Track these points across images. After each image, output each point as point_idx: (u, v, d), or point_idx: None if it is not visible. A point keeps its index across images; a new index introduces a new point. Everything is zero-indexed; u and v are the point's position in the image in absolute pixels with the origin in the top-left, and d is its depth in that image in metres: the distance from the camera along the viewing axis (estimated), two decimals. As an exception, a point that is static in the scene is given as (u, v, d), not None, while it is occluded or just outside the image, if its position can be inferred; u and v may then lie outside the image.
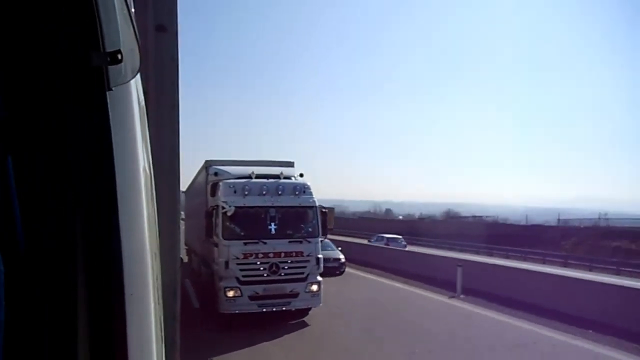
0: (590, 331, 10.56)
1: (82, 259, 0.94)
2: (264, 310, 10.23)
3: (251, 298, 10.09)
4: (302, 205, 10.81)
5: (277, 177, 10.93)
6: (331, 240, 20.60)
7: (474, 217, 52.35)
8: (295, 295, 10.46)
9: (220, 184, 10.69)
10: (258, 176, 10.77)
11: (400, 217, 58.91)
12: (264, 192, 10.36)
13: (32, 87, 0.92)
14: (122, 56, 0.96)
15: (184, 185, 19.85)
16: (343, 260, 19.67)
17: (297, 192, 10.71)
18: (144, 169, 1.16)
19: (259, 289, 10.14)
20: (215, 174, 11.22)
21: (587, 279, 16.77)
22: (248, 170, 11.01)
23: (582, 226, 39.37)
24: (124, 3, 0.99)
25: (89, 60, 0.93)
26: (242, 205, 10.19)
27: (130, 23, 1.02)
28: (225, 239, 10.07)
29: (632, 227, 34.64)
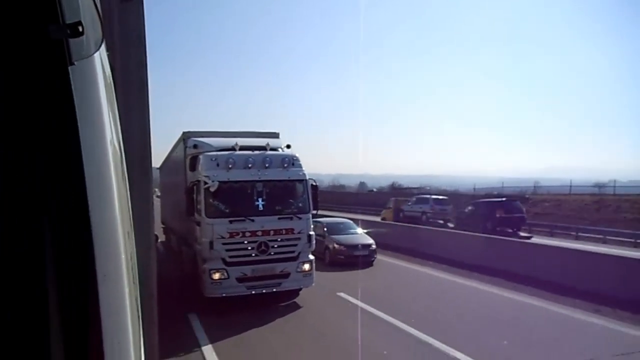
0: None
1: (50, 240, 0.92)
2: (253, 292, 9.52)
3: (239, 280, 9.38)
4: (292, 178, 10.01)
5: (263, 148, 10.11)
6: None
7: (417, 188, 53.27)
8: (286, 275, 9.78)
9: (201, 157, 9.82)
10: (242, 148, 9.94)
11: (374, 190, 59.53)
12: (250, 165, 9.54)
13: None
14: (83, 28, 0.91)
15: (158, 161, 19.28)
16: (374, 246, 15.76)
17: (285, 165, 9.89)
18: (113, 146, 1.13)
19: (247, 270, 9.42)
20: (195, 146, 10.32)
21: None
22: (231, 141, 10.18)
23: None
24: (83, -30, 0.93)
25: (48, 33, 0.88)
26: (226, 179, 9.39)
27: None
28: (208, 217, 9.30)
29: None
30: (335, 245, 15.29)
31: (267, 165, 9.68)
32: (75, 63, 0.92)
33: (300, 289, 10.53)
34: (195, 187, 9.61)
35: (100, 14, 0.98)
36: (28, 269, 0.90)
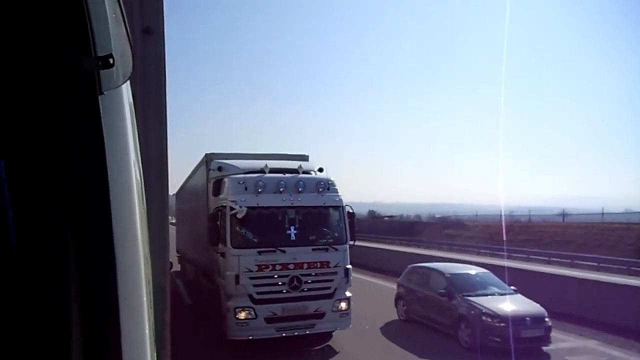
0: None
1: (75, 262, 0.94)
2: (284, 335, 8.36)
3: (268, 320, 8.23)
4: (327, 204, 8.95)
5: (295, 171, 9.06)
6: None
7: (390, 217, 57.12)
8: (320, 315, 8.57)
9: (227, 180, 8.82)
10: (272, 170, 8.88)
11: (386, 218, 59.85)
12: (281, 189, 8.49)
13: (24, 92, 0.92)
14: (113, 60, 0.96)
15: (173, 188, 19.35)
16: (548, 320, 9.19)
17: (320, 189, 8.82)
18: (135, 173, 1.16)
19: (277, 308, 8.28)
20: (219, 168, 9.30)
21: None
22: (259, 163, 9.11)
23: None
24: (115, 6, 0.99)
25: (81, 64, 0.93)
26: (255, 205, 8.32)
27: (122, 26, 1.02)
28: (234, 248, 8.21)
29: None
30: (485, 318, 8.96)
31: (300, 189, 8.64)
32: (105, 93, 0.97)
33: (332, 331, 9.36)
34: (219, 214, 8.58)
35: (132, 46, 1.03)
36: (53, 289, 0.93)
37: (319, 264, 8.61)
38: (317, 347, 8.99)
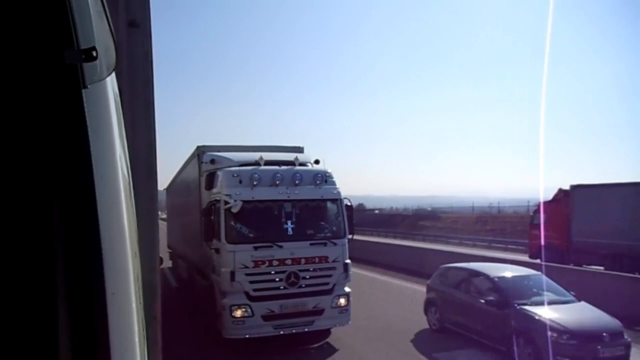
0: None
1: (62, 259, 0.93)
2: (281, 332, 8.10)
3: (265, 318, 7.95)
4: (325, 197, 8.69)
5: (291, 163, 8.77)
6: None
7: (380, 210, 60.30)
8: (319, 312, 8.31)
9: (221, 172, 8.51)
10: (268, 162, 8.58)
11: (377, 211, 60.46)
12: (278, 182, 8.21)
13: (5, 86, 0.90)
14: (97, 53, 0.94)
15: (163, 183, 19.11)
16: (626, 335, 7.60)
17: (318, 182, 8.55)
18: (122, 168, 1.15)
19: (275, 305, 8.00)
20: (212, 161, 8.96)
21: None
22: (254, 155, 8.81)
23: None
24: (97, -1, 0.97)
25: (63, 57, 0.91)
26: (251, 198, 8.02)
27: (104, 19, 1.00)
28: (229, 243, 7.95)
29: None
30: (551, 333, 7.26)
31: (297, 182, 8.35)
32: (89, 86, 0.95)
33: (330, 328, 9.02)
34: (213, 208, 8.34)
35: (115, 38, 1.02)
36: (38, 285, 0.92)
37: (317, 259, 8.33)
38: (315, 345, 8.73)
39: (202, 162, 9.48)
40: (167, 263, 18.42)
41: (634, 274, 13.60)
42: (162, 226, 22.56)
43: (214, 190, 8.59)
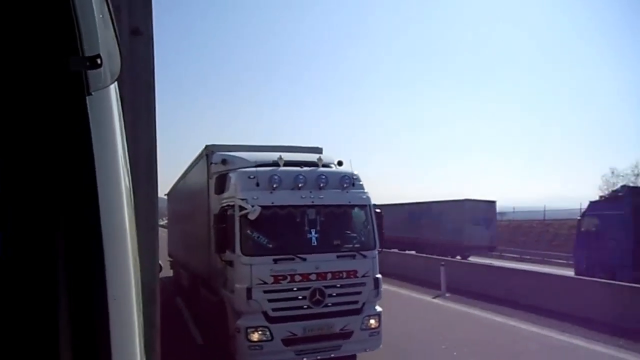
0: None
1: (64, 263, 0.94)
2: (304, 359, 7.10)
3: (286, 342, 6.92)
4: (353, 203, 7.75)
5: (314, 164, 7.81)
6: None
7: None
8: (347, 335, 7.24)
9: (234, 174, 7.54)
10: (288, 163, 7.62)
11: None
12: (300, 185, 7.26)
13: (11, 93, 0.91)
14: (101, 60, 0.96)
15: (164, 189, 18.83)
16: None
17: (345, 185, 7.60)
18: (124, 175, 1.16)
19: (297, 327, 6.96)
20: (224, 161, 8.05)
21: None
22: (270, 155, 7.91)
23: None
24: (103, 6, 0.99)
25: (68, 64, 0.92)
26: (270, 204, 7.08)
27: (110, 27, 1.02)
28: (245, 255, 6.93)
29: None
30: None
31: (322, 185, 7.39)
32: (93, 93, 0.97)
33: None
34: (226, 215, 7.31)
35: (120, 47, 1.03)
36: (40, 290, 0.92)
37: (344, 274, 7.31)
38: None
39: (211, 163, 8.54)
40: (167, 272, 17.83)
41: None
42: (163, 233, 22.41)
43: (226, 194, 7.72)
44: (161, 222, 23.47)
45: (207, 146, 9.01)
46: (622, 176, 37.05)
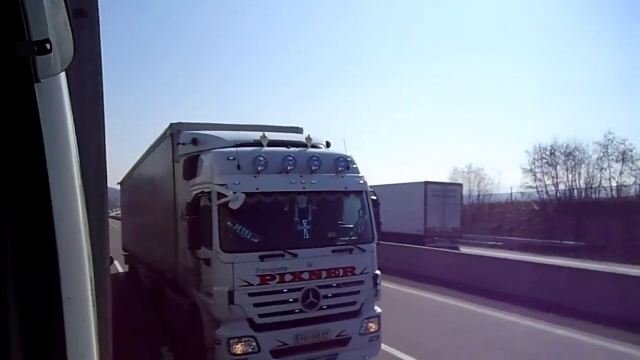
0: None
1: (15, 262, 0.88)
2: None
3: (275, 354, 5.96)
4: (350, 189, 6.76)
5: (302, 144, 6.82)
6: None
7: None
8: (345, 341, 6.34)
9: (209, 155, 6.44)
10: (272, 143, 6.53)
11: None
12: (289, 168, 6.24)
13: None
14: (51, 46, 0.90)
15: (116, 178, 17.78)
16: None
17: (340, 168, 6.62)
18: (76, 167, 1.11)
19: (288, 336, 6.00)
20: (194, 141, 6.91)
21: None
22: (250, 135, 6.82)
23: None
24: (52, -12, 0.93)
25: (14, 50, 0.86)
26: (255, 190, 6.01)
27: (61, 9, 0.95)
28: (226, 252, 5.89)
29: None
30: None
31: (314, 168, 6.38)
32: (42, 81, 0.91)
33: None
34: (200, 204, 6.22)
35: (73, 31, 0.97)
36: None
37: (341, 272, 6.39)
38: None
39: (178, 144, 7.37)
40: (119, 266, 17.21)
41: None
42: (115, 226, 21.45)
43: (199, 180, 6.59)
44: (111, 214, 22.46)
45: (172, 125, 7.87)
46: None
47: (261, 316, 5.91)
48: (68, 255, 0.96)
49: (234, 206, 5.81)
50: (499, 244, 29.04)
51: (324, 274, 6.23)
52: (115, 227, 18.30)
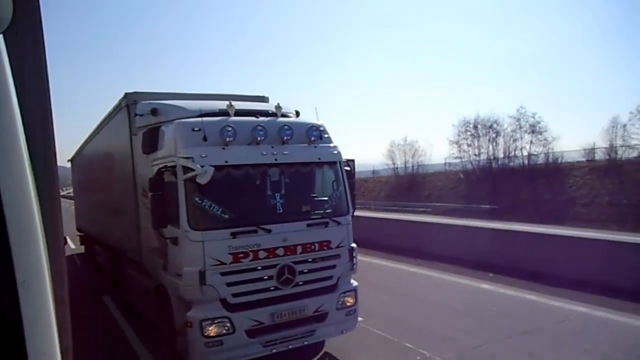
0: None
1: None
2: (274, 351, 5.88)
3: (250, 333, 5.74)
4: (324, 160, 6.48)
5: (272, 114, 6.46)
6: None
7: None
8: (322, 317, 6.21)
9: (172, 126, 6.01)
10: (239, 112, 6.14)
11: None
12: (259, 139, 5.88)
13: None
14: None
15: (67, 155, 16.90)
16: None
17: (313, 138, 6.33)
18: (23, 141, 1.02)
19: (264, 314, 5.81)
20: (154, 111, 6.47)
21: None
22: (215, 104, 6.44)
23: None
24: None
25: None
26: (223, 163, 5.67)
27: None
28: (195, 229, 5.55)
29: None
30: None
31: (286, 138, 6.07)
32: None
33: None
34: (164, 180, 5.80)
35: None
36: None
37: (317, 246, 6.16)
38: None
39: (135, 115, 6.90)
40: (73, 245, 16.64)
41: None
42: (67, 204, 20.57)
43: (160, 153, 6.22)
44: (62, 193, 21.56)
45: (127, 94, 7.39)
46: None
47: (235, 295, 5.68)
48: (19, 236, 0.89)
49: (202, 180, 5.49)
50: (427, 210, 31.61)
51: (299, 249, 6.02)
52: (66, 206, 17.65)
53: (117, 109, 8.17)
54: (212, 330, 5.55)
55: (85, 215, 14.27)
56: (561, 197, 29.70)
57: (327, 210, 6.47)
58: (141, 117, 6.73)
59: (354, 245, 6.56)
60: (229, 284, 5.63)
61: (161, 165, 5.99)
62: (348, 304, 6.45)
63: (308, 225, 6.13)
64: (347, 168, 6.77)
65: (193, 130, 5.70)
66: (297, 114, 7.01)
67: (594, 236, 12.23)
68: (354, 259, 6.51)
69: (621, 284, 8.86)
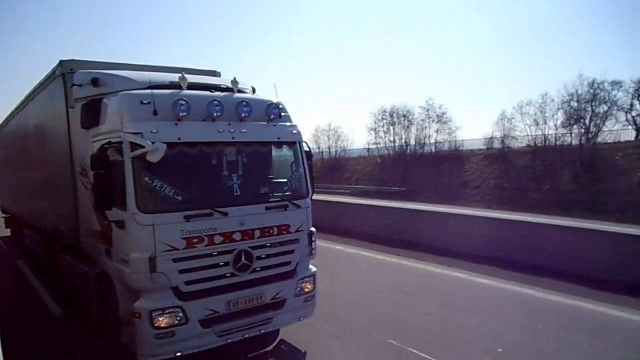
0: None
1: None
2: (229, 341, 5.52)
3: (205, 323, 5.35)
4: (283, 139, 6.17)
5: (229, 89, 6.08)
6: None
7: None
8: (280, 304, 5.93)
9: (117, 98, 5.54)
10: (193, 86, 5.74)
11: None
12: (216, 115, 5.47)
13: None
14: None
15: None
16: None
17: (272, 116, 5.99)
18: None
19: (219, 303, 5.44)
20: (95, 82, 5.99)
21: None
22: (165, 77, 5.97)
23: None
24: None
25: None
26: (177, 140, 5.20)
27: None
28: (144, 212, 5.07)
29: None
30: None
31: (244, 115, 5.68)
32: None
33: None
34: (108, 158, 5.28)
35: None
36: None
37: (276, 230, 5.86)
38: (268, 349, 6.29)
39: (73, 86, 6.33)
40: (3, 231, 14.97)
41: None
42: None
43: (104, 128, 5.72)
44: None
45: (62, 62, 6.76)
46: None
47: (188, 283, 5.27)
48: None
49: (154, 159, 5.00)
50: (346, 191, 34.16)
51: (258, 234, 5.69)
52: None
53: (50, 78, 7.44)
54: (163, 321, 5.13)
55: (11, 196, 13.07)
56: (458, 181, 34.06)
57: (287, 193, 6.17)
58: (80, 87, 6.23)
59: (313, 229, 6.33)
60: (182, 271, 5.22)
61: (104, 142, 5.48)
62: (307, 290, 6.24)
63: (267, 208, 5.83)
64: (307, 149, 6.51)
65: (142, 103, 5.22)
66: (254, 90, 6.64)
67: (467, 213, 14.51)
68: (314, 243, 6.30)
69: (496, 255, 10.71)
